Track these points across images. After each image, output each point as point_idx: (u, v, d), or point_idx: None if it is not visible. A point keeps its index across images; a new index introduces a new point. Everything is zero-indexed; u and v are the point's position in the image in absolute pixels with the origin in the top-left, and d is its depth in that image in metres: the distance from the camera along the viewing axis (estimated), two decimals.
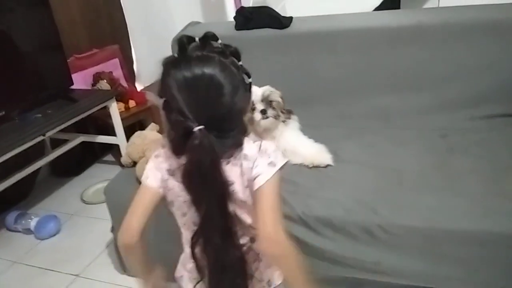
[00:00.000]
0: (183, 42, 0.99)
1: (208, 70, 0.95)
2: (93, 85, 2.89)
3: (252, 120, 1.71)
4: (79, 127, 2.81)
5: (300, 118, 1.84)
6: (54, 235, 2.38)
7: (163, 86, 1.00)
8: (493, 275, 1.39)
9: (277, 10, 2.32)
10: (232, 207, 1.05)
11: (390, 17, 2.12)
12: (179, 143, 1.02)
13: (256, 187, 1.05)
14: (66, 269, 2.11)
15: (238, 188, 1.06)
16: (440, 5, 2.64)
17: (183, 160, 1.02)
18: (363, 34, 2.02)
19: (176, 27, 2.52)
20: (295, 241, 1.51)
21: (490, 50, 1.87)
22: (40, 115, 2.33)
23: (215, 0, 3.48)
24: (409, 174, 1.59)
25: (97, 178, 2.85)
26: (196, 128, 0.97)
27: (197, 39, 0.98)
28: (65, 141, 2.69)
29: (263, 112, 1.71)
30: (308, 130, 1.85)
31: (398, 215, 1.43)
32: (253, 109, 1.70)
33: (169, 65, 0.99)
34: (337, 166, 1.71)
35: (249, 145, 1.07)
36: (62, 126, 2.35)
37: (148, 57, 3.37)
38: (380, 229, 1.44)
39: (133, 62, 3.32)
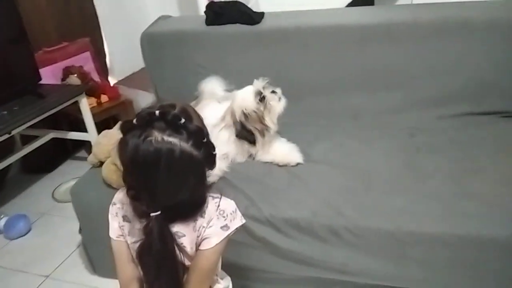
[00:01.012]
0: (144, 118, 0.94)
1: (168, 160, 0.92)
2: (63, 79, 2.82)
3: (268, 111, 1.67)
4: (50, 123, 2.75)
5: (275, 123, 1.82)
6: (24, 235, 2.33)
7: (122, 155, 0.98)
8: (457, 276, 1.40)
9: (249, 4, 2.29)
10: (179, 258, 1.06)
11: (362, 14, 2.10)
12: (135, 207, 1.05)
13: (202, 248, 1.06)
14: (36, 270, 2.08)
15: (187, 242, 1.06)
16: (414, 2, 2.63)
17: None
18: (334, 31, 1.99)
19: (150, 19, 2.46)
20: (263, 242, 1.53)
21: (457, 49, 1.87)
22: (5, 112, 2.25)
23: None
24: (377, 175, 1.59)
25: (70, 175, 2.79)
26: (153, 214, 0.98)
27: (157, 112, 0.93)
28: (35, 137, 2.62)
29: (274, 92, 1.68)
30: (279, 128, 1.83)
31: (364, 216, 1.44)
32: (261, 99, 1.65)
33: (129, 140, 0.95)
34: (306, 166, 1.70)
35: (208, 201, 1.07)
36: (29, 124, 2.28)
37: (122, 50, 3.30)
38: (347, 231, 1.44)
39: (106, 56, 3.25)
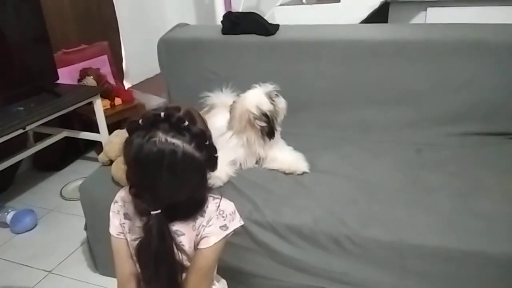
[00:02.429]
0: (150, 119, 0.98)
1: (170, 161, 0.95)
2: (79, 80, 2.89)
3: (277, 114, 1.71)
4: (64, 122, 2.80)
5: (281, 125, 1.85)
6: (30, 229, 2.36)
7: (126, 154, 1.01)
8: None
9: (266, 16, 2.34)
10: (178, 256, 1.08)
11: (375, 31, 2.14)
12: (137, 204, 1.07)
13: (201, 246, 1.07)
14: (39, 264, 2.10)
15: (186, 241, 1.08)
16: (427, 21, 2.67)
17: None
18: (346, 45, 2.03)
19: (169, 27, 2.53)
20: (264, 247, 1.54)
21: (469, 69, 1.89)
22: (22, 108, 2.31)
23: (208, 1, 3.49)
24: (381, 187, 1.61)
25: (79, 174, 2.83)
26: (153, 212, 1.00)
27: (162, 114, 0.97)
28: (48, 135, 2.67)
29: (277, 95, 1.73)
30: (288, 137, 1.86)
31: (366, 227, 1.45)
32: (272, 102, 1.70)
33: (134, 139, 0.97)
34: (312, 175, 1.72)
35: (208, 201, 1.09)
36: (43, 121, 2.33)
37: (138, 55, 3.37)
38: (348, 240, 1.45)
39: (122, 60, 3.32)
